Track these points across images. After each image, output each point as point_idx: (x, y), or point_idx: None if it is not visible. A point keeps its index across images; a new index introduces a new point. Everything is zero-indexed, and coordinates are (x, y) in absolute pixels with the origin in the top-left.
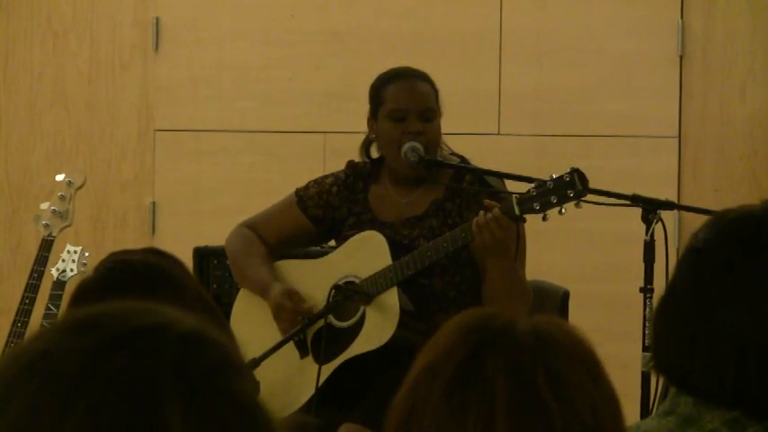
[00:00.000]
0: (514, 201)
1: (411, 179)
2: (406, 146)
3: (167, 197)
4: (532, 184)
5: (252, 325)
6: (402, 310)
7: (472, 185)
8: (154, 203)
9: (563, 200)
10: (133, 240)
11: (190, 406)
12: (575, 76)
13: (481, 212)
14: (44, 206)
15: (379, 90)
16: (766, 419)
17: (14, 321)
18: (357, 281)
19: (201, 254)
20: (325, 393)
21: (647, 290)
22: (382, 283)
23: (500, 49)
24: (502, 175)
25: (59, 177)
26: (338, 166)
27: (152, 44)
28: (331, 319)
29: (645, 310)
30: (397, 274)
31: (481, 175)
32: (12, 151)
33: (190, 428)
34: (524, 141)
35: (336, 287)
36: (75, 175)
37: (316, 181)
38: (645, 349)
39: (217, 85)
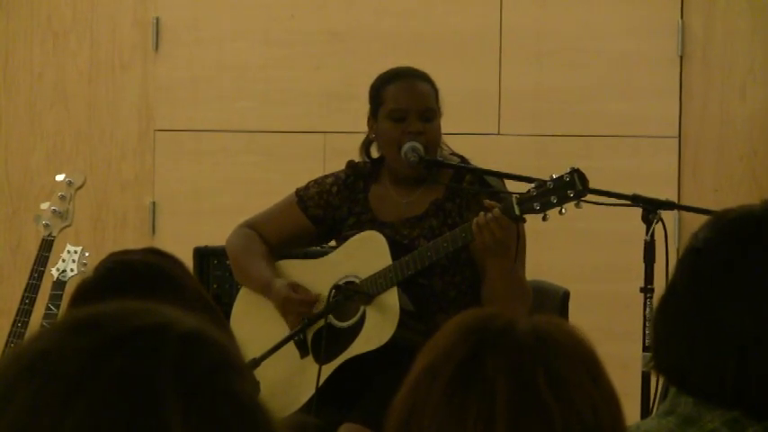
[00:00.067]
0: (514, 201)
1: (411, 179)
2: (407, 146)
3: (167, 197)
4: (532, 184)
5: (252, 325)
6: (402, 310)
7: (472, 185)
8: (154, 203)
9: (563, 200)
10: (133, 240)
11: (190, 406)
12: (575, 76)
13: (481, 212)
14: (44, 206)
15: (379, 90)
16: (766, 419)
17: (14, 321)
18: (357, 281)
19: (201, 254)
20: (325, 393)
21: (647, 290)
22: (382, 283)
23: (500, 49)
24: (502, 175)
25: (59, 177)
26: (338, 166)
27: (152, 44)
28: (331, 319)
29: (645, 310)
30: (397, 274)
31: (481, 175)
32: (12, 151)
33: (190, 428)
34: (524, 141)
35: (336, 287)
36: (75, 175)
37: (316, 181)
38: (645, 349)
39: (217, 85)
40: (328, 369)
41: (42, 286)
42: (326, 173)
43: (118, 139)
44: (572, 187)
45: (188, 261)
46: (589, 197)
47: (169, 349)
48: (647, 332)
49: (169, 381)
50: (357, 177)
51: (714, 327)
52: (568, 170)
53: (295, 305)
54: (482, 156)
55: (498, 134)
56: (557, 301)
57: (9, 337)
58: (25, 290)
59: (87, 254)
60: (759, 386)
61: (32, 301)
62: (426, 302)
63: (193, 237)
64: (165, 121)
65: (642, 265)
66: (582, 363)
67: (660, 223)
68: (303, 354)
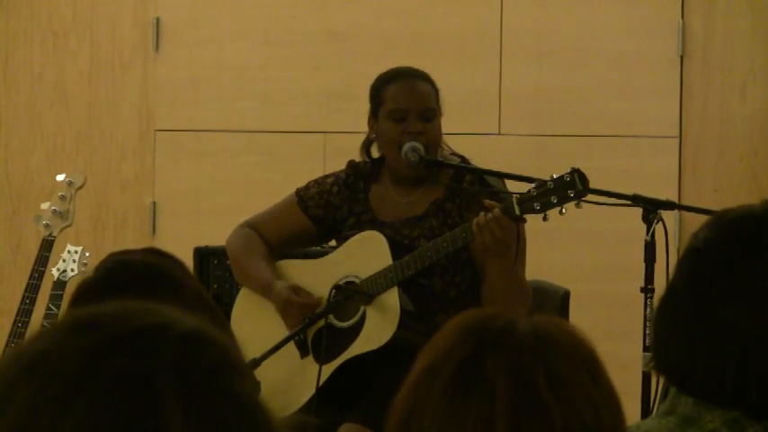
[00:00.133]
0: (515, 201)
1: (411, 179)
2: (407, 146)
3: (167, 197)
4: (533, 184)
5: (252, 325)
6: (402, 310)
7: (472, 185)
8: (154, 203)
9: (563, 200)
10: (133, 240)
11: (190, 406)
12: (575, 76)
13: (481, 212)
14: (44, 206)
15: (379, 90)
16: (766, 419)
17: (15, 321)
18: (357, 281)
19: (202, 254)
20: (325, 393)
21: (647, 290)
22: (382, 284)
23: (500, 49)
24: (502, 175)
25: (60, 177)
26: (338, 166)
27: (152, 44)
28: (331, 319)
29: (645, 310)
30: (397, 274)
31: (481, 175)
32: (12, 151)
33: (190, 428)
34: (524, 141)
35: (337, 287)
36: (75, 176)
37: (316, 181)
38: (645, 349)
39: (217, 85)
40: (328, 369)
41: (43, 286)
42: (327, 173)
43: (118, 139)
44: (572, 187)
45: (188, 261)
46: (589, 197)
47: (169, 349)
48: (647, 332)
49: (169, 381)
50: (357, 177)
51: (714, 327)
52: (569, 170)
53: (296, 308)
54: (482, 156)
55: (498, 134)
56: (557, 301)
57: (9, 336)
58: (26, 290)
59: (87, 254)
60: (759, 386)
61: (33, 301)
62: (426, 302)
63: (193, 237)
64: (165, 121)
65: (642, 265)
66: (582, 363)
67: (660, 223)
68: (303, 354)
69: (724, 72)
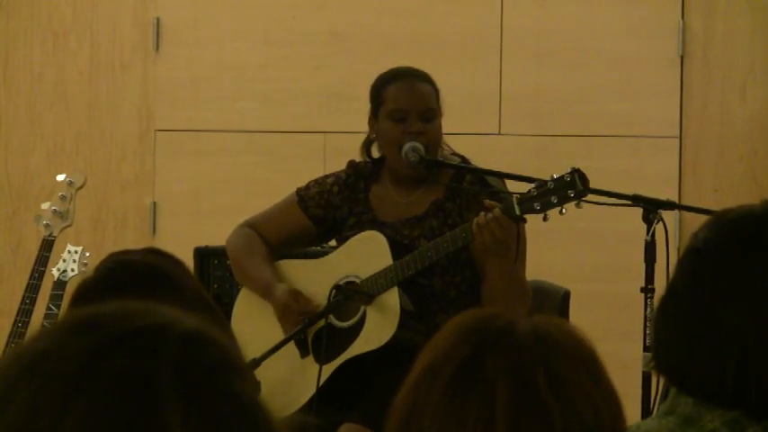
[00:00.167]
0: (515, 201)
1: (411, 179)
2: (407, 146)
3: (167, 197)
4: (533, 185)
5: (253, 325)
6: (402, 310)
7: (473, 185)
8: (154, 203)
9: (563, 200)
10: (133, 240)
11: (190, 406)
12: (575, 76)
13: (481, 212)
14: (45, 206)
15: (379, 90)
16: (766, 419)
17: (15, 321)
18: (357, 281)
19: (202, 254)
20: (325, 393)
21: (647, 290)
22: (383, 284)
23: (500, 49)
24: (502, 175)
25: (60, 177)
26: (338, 166)
27: (152, 44)
28: (331, 319)
29: (646, 310)
30: (397, 275)
31: (482, 175)
32: (12, 151)
33: (190, 428)
34: (525, 141)
35: (337, 287)
36: (75, 176)
37: (316, 181)
38: (645, 349)
39: (217, 85)
40: (328, 369)
41: (43, 286)
42: (327, 173)
43: (118, 139)
44: (572, 187)
45: (188, 261)
46: (590, 197)
47: (169, 349)
48: (647, 332)
49: (169, 381)
50: (358, 177)
51: (714, 327)
52: (569, 170)
53: (294, 315)
54: (482, 156)
55: (499, 134)
56: (557, 301)
57: (10, 337)
58: (26, 290)
59: (88, 254)
60: (759, 386)
61: (33, 301)
62: (426, 302)
63: (193, 237)
64: (166, 121)
65: (642, 265)
66: (582, 363)
67: (661, 223)
68: (303, 354)
69: (724, 72)
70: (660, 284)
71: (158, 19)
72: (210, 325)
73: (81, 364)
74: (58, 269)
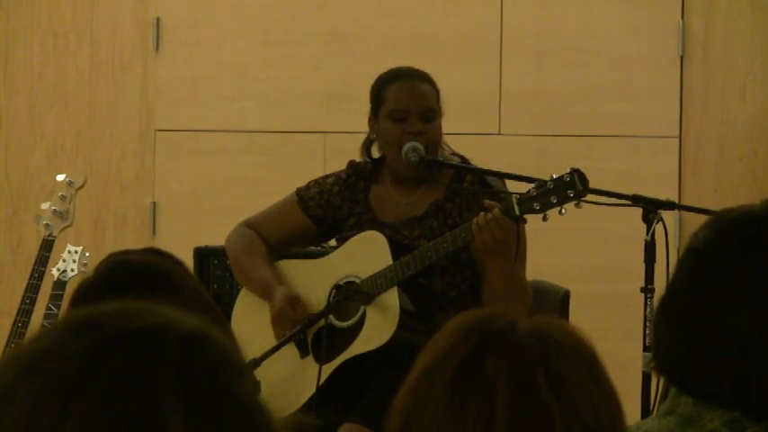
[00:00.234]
0: (515, 201)
1: (412, 179)
2: (407, 146)
3: (167, 197)
4: (533, 185)
5: (253, 325)
6: (402, 310)
7: (472, 185)
8: (154, 203)
9: (563, 200)
10: (133, 240)
11: (190, 406)
12: (575, 76)
13: (481, 212)
14: (45, 206)
15: (379, 90)
16: (766, 419)
17: (15, 321)
18: (357, 281)
19: (202, 254)
20: (325, 393)
21: (647, 290)
22: (382, 284)
23: (500, 49)
24: (502, 175)
25: (60, 177)
26: (338, 166)
27: (152, 44)
28: (331, 318)
29: (645, 310)
30: (397, 275)
31: (481, 175)
32: (12, 151)
33: (190, 428)
34: (525, 141)
35: (337, 287)
36: (75, 176)
37: (317, 181)
38: (645, 349)
39: (217, 85)
40: (328, 369)
41: (43, 286)
42: (327, 173)
43: (118, 139)
44: (572, 187)
45: (188, 261)
46: (589, 197)
47: (169, 349)
48: (647, 332)
49: (169, 381)
50: (358, 177)
51: (714, 327)
52: (568, 170)
53: (287, 321)
54: (482, 156)
55: (499, 134)
56: (557, 301)
57: (10, 337)
58: (26, 290)
59: (88, 254)
60: (759, 386)
61: (33, 301)
62: (426, 302)
63: (193, 237)
64: (165, 121)
65: (642, 265)
66: (582, 363)
67: (660, 223)
68: (303, 354)
69: (724, 72)
70: (660, 284)
71: (158, 19)
72: (210, 325)
73: (81, 364)
74: (58, 269)
